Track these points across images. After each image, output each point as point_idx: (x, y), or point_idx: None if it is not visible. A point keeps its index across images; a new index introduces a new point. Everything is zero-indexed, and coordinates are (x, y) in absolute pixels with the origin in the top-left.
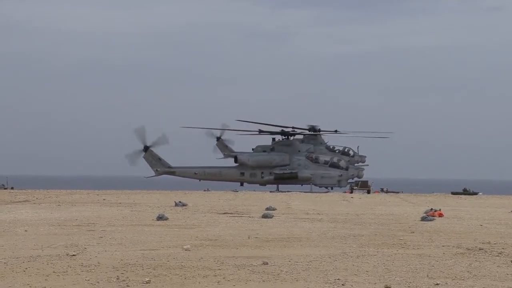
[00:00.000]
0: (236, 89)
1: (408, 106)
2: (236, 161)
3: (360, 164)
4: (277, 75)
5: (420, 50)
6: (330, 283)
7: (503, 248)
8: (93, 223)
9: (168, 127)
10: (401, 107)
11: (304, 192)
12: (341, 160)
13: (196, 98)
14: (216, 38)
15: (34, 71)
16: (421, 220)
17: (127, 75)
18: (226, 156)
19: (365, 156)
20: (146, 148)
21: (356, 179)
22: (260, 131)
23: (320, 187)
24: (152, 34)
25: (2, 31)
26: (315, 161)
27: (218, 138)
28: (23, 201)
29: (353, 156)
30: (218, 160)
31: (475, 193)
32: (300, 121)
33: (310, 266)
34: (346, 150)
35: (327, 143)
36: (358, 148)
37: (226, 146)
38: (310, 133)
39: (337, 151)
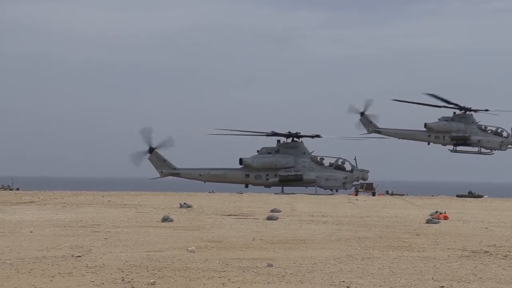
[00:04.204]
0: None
1: (412, 108)
2: (241, 163)
3: None
4: (282, 77)
5: (426, 52)
6: (335, 285)
7: (508, 251)
8: (98, 225)
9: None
10: (405, 109)
11: (309, 194)
12: (345, 162)
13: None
14: (222, 40)
15: (39, 72)
16: (426, 223)
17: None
18: (369, 131)
19: None
20: (151, 150)
21: (361, 181)
22: (265, 135)
23: (325, 189)
24: (159, 35)
25: (9, 32)
26: (320, 163)
27: (362, 114)
28: (29, 202)
29: (506, 137)
30: (223, 162)
31: (480, 196)
32: (301, 123)
33: (315, 268)
34: (499, 130)
35: (478, 123)
36: (511, 129)
37: (371, 122)
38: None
39: (489, 131)
